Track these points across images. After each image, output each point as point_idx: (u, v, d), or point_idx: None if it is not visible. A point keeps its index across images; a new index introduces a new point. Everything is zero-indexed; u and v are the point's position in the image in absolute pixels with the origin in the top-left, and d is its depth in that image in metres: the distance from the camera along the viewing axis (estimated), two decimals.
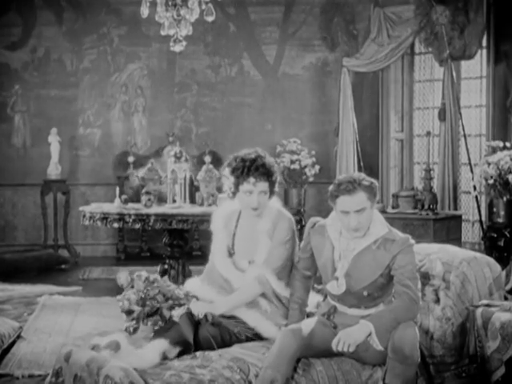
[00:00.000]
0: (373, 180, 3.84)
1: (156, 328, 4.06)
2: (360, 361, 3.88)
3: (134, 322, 4.07)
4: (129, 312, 4.07)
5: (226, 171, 4.16)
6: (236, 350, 3.91)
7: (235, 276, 4.18)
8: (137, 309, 4.05)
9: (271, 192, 4.15)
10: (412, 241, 3.84)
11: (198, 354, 3.89)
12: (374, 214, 3.86)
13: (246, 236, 4.20)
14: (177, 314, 4.02)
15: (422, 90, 10.20)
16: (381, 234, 3.84)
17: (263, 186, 4.09)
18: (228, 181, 4.14)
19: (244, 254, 4.20)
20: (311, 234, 4.01)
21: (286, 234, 4.11)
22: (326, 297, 4.09)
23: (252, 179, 4.06)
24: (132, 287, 4.12)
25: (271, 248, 4.10)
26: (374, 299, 3.87)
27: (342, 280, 3.85)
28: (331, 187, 3.82)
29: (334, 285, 3.87)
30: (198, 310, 4.03)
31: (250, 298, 4.11)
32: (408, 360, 3.66)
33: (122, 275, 4.21)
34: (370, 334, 3.68)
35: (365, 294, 3.84)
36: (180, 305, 4.07)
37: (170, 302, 4.07)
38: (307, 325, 3.87)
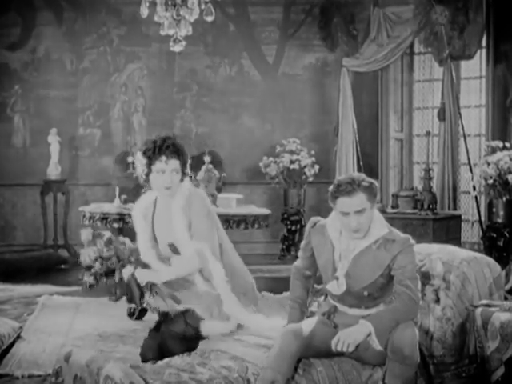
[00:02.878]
0: (373, 181, 3.83)
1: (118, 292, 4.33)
2: (360, 361, 3.88)
3: (92, 277, 4.30)
4: (88, 268, 4.30)
5: (138, 155, 4.31)
6: (235, 348, 3.92)
7: (160, 267, 4.32)
8: (96, 266, 4.27)
9: (183, 172, 4.30)
10: (412, 241, 3.84)
11: (197, 352, 3.90)
12: (374, 214, 3.86)
13: (164, 219, 4.34)
14: (125, 271, 4.23)
15: (421, 89, 10.21)
16: (381, 234, 3.84)
17: (175, 163, 4.25)
18: (141, 164, 4.28)
19: (164, 237, 4.32)
20: (312, 234, 4.01)
21: (203, 208, 4.24)
22: (326, 296, 4.09)
23: (164, 157, 4.23)
24: (94, 245, 4.33)
25: (195, 224, 4.21)
26: (375, 299, 3.87)
27: (342, 280, 3.84)
28: (331, 188, 3.82)
29: (335, 285, 3.87)
30: (142, 278, 4.21)
31: (190, 270, 4.26)
32: (407, 360, 3.66)
33: (84, 232, 4.41)
34: (369, 335, 3.68)
35: (365, 294, 3.84)
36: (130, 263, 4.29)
37: (122, 262, 4.28)
38: (308, 325, 3.87)
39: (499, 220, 8.18)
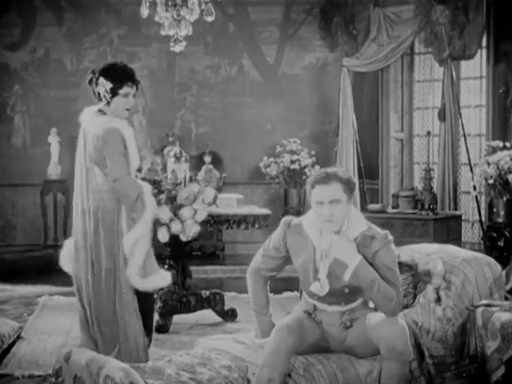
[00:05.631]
0: (350, 175, 3.86)
1: None
2: (349, 353, 3.91)
3: None
4: None
5: (102, 80, 4.93)
6: (235, 348, 3.92)
7: None
8: None
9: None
10: (390, 236, 3.84)
11: (198, 352, 3.91)
12: (352, 211, 3.86)
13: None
14: None
15: (421, 89, 10.20)
16: (360, 230, 3.83)
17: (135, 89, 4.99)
18: (103, 88, 4.94)
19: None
20: (287, 234, 3.95)
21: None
22: (301, 293, 4.08)
23: (130, 83, 5.05)
24: None
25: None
26: (355, 295, 3.89)
27: (324, 281, 3.83)
28: (309, 179, 3.85)
29: (317, 286, 3.86)
30: None
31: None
32: (401, 357, 3.69)
33: None
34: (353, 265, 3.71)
35: (346, 291, 3.86)
36: None
37: None
38: (295, 318, 3.88)
39: (500, 220, 8.18)
